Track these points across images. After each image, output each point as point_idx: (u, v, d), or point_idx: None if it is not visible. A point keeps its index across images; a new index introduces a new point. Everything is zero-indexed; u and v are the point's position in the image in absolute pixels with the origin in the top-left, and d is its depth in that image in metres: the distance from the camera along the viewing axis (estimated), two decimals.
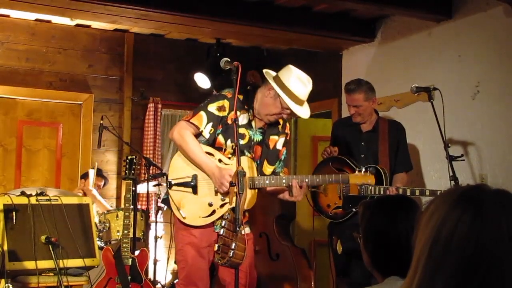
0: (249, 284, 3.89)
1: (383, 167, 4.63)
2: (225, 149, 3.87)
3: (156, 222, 6.12)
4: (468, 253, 1.15)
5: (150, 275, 5.85)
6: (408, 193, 4.35)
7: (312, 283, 5.69)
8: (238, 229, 3.40)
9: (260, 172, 3.94)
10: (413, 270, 1.22)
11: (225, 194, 3.79)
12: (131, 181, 5.36)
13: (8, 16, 6.61)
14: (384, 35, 6.16)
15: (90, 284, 4.82)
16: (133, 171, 5.37)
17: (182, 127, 3.87)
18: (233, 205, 3.56)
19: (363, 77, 5.22)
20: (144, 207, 6.45)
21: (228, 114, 3.84)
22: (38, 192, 4.43)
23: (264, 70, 3.97)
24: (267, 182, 3.85)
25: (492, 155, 5.01)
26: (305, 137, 7.55)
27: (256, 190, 3.89)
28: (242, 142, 3.87)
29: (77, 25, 6.92)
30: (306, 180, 3.85)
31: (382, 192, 4.46)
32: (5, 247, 4.13)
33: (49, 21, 6.79)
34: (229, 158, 3.86)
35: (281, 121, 4.08)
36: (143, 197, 6.78)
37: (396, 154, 4.87)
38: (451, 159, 4.46)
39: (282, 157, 4.13)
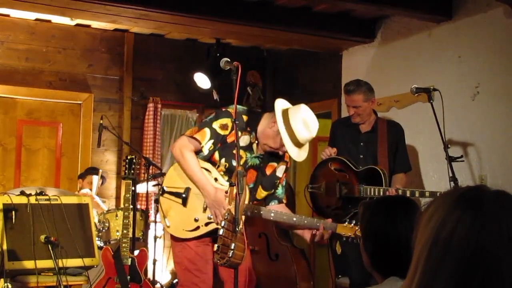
0: (248, 283, 3.89)
1: (382, 168, 4.63)
2: (218, 166, 3.86)
3: (155, 222, 6.12)
4: (468, 254, 1.15)
5: (149, 275, 5.85)
6: (408, 194, 4.36)
7: (312, 284, 5.69)
8: (237, 229, 3.40)
9: (253, 197, 3.93)
10: (412, 271, 1.22)
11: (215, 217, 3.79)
12: (131, 181, 5.36)
13: (8, 15, 6.61)
14: (384, 35, 6.16)
15: (89, 283, 4.82)
16: (132, 171, 5.37)
17: (183, 145, 3.84)
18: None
19: (363, 77, 5.22)
20: (143, 207, 6.46)
21: (229, 133, 3.81)
22: (38, 191, 4.43)
23: (276, 101, 3.88)
24: (262, 213, 3.84)
25: (492, 156, 5.01)
26: None
27: (248, 190, 3.88)
28: (235, 163, 3.79)
29: (77, 24, 6.92)
30: (318, 224, 3.80)
31: (381, 193, 4.46)
32: (5, 247, 4.13)
33: (49, 21, 6.79)
34: (222, 175, 3.85)
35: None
36: (142, 197, 6.79)
37: (395, 155, 4.87)
38: (450, 160, 4.46)
39: (284, 183, 4.12)
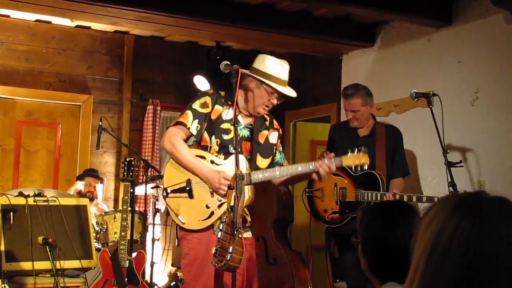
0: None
1: (380, 173, 4.62)
2: (210, 147, 3.88)
3: (153, 224, 6.12)
4: (467, 260, 1.15)
5: (147, 277, 5.84)
6: (405, 199, 4.36)
7: (308, 281, 5.69)
8: (236, 232, 3.40)
9: (255, 167, 3.93)
10: (411, 276, 1.22)
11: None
12: (129, 183, 5.36)
13: (8, 16, 6.62)
14: (384, 40, 6.17)
15: (87, 285, 4.82)
16: (131, 173, 5.38)
17: (172, 134, 3.89)
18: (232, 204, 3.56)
19: (363, 82, 5.22)
20: (142, 209, 6.45)
21: (212, 110, 3.88)
22: (36, 192, 4.43)
23: (239, 70, 3.88)
24: (261, 176, 3.85)
25: (491, 161, 5.02)
26: (303, 141, 7.55)
27: (253, 186, 3.89)
28: (227, 137, 3.87)
29: (77, 26, 6.92)
30: (311, 166, 3.85)
31: (379, 198, 4.46)
32: (2, 248, 4.12)
33: (49, 22, 6.80)
34: (216, 155, 3.87)
35: (267, 118, 4.10)
36: (141, 199, 6.78)
37: (393, 159, 4.85)
38: (449, 165, 4.46)
39: (281, 149, 4.15)
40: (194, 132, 3.88)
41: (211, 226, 3.85)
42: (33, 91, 6.80)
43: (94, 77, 7.11)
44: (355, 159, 3.91)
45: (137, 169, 6.06)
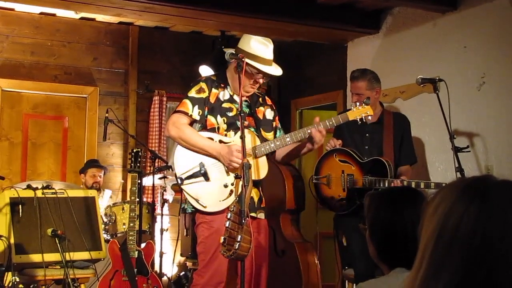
0: (255, 274, 3.90)
1: (387, 159, 4.61)
2: (218, 127, 3.92)
3: (162, 214, 6.13)
4: (474, 245, 1.15)
5: (156, 268, 5.86)
6: (413, 186, 4.35)
7: (318, 276, 5.67)
8: (243, 221, 3.40)
9: (262, 140, 4.00)
10: (418, 261, 1.22)
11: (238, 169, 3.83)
12: (137, 174, 5.37)
13: (13, 9, 6.62)
14: (389, 26, 6.14)
15: (97, 276, 4.84)
16: (138, 164, 5.38)
17: (175, 120, 3.94)
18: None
19: (368, 68, 5.21)
20: (149, 200, 6.47)
21: (209, 93, 3.95)
22: (44, 185, 4.44)
23: (224, 50, 4.00)
24: (273, 145, 3.92)
25: (498, 146, 5.00)
26: None
27: (266, 158, 3.95)
28: (231, 114, 3.95)
29: (82, 18, 6.92)
30: (319, 126, 3.94)
31: (386, 185, 4.44)
32: (12, 240, 4.14)
33: (53, 15, 6.80)
34: (225, 135, 3.90)
35: (259, 94, 4.18)
36: (148, 190, 6.80)
37: (401, 147, 4.83)
38: (456, 150, 4.45)
39: (279, 125, 4.22)
40: (197, 118, 3.91)
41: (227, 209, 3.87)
42: (39, 84, 6.81)
43: (100, 69, 7.11)
44: (360, 111, 4.02)
45: (144, 160, 6.07)
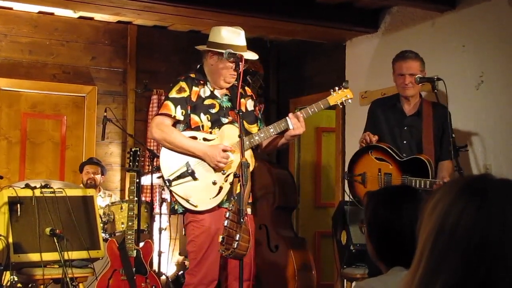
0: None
1: (428, 158, 4.32)
2: (202, 126, 3.93)
3: (160, 214, 6.13)
4: (473, 243, 1.15)
5: (155, 267, 5.86)
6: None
7: (313, 274, 5.68)
8: (242, 220, 3.40)
9: (246, 133, 4.00)
10: (416, 260, 1.22)
11: (226, 166, 3.85)
12: (135, 173, 5.36)
13: (11, 8, 6.61)
14: (388, 25, 6.14)
15: (95, 276, 4.84)
16: (137, 163, 5.38)
17: (159, 122, 3.95)
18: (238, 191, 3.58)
19: (367, 68, 5.21)
20: (148, 199, 6.46)
21: (190, 92, 3.97)
22: (43, 184, 4.44)
23: (197, 48, 4.14)
24: (257, 138, 3.94)
25: (496, 145, 5.00)
26: (309, 128, 7.49)
27: (251, 151, 3.98)
28: (214, 111, 3.97)
29: (80, 17, 6.91)
30: (298, 112, 3.98)
31: (428, 186, 4.14)
32: (10, 240, 4.14)
33: (52, 14, 6.79)
34: (210, 132, 3.90)
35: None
36: (147, 189, 6.79)
37: (442, 140, 4.51)
38: (455, 149, 4.44)
39: (260, 116, 4.24)
40: (181, 118, 3.92)
41: (217, 206, 3.88)
42: (38, 83, 6.80)
43: (98, 68, 7.11)
44: (340, 95, 4.05)
45: (142, 159, 6.05)
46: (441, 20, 5.56)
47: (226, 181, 3.87)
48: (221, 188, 3.87)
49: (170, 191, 3.95)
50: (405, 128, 4.54)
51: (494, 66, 5.05)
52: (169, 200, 6.45)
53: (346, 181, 4.52)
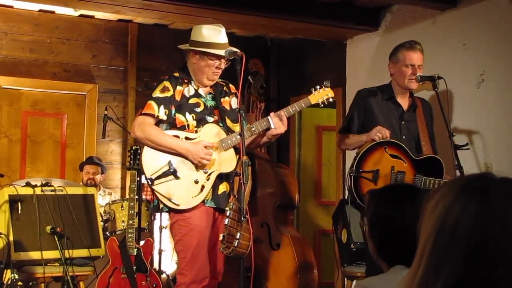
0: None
1: (439, 157, 4.24)
2: (188, 125, 3.93)
3: (160, 212, 6.12)
4: (474, 242, 1.15)
5: (156, 265, 5.86)
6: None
7: (315, 272, 5.69)
8: (242, 218, 3.41)
9: (230, 131, 4.03)
10: (418, 259, 1.22)
11: (208, 165, 3.85)
12: (136, 172, 5.37)
13: (11, 7, 6.61)
14: (389, 24, 6.14)
15: (96, 274, 4.84)
16: (137, 162, 5.39)
17: (141, 122, 3.95)
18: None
19: (368, 66, 5.20)
20: (148, 197, 6.46)
21: (174, 91, 3.97)
22: (43, 182, 4.45)
23: (179, 47, 4.12)
24: (239, 137, 3.91)
25: (497, 144, 5.00)
26: (309, 127, 7.54)
27: (233, 151, 3.97)
28: (199, 110, 3.98)
29: (81, 15, 6.91)
30: (280, 112, 3.99)
31: None
32: (11, 238, 4.15)
33: (52, 12, 6.79)
34: (196, 131, 3.91)
35: (223, 83, 4.21)
36: (147, 188, 6.78)
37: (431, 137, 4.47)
38: (455, 148, 4.43)
39: (243, 115, 4.19)
40: (164, 117, 3.92)
41: (202, 203, 3.88)
42: (38, 81, 6.80)
43: (99, 66, 7.11)
44: (322, 94, 4.09)
45: None
46: (442, 19, 5.55)
47: (208, 179, 3.88)
48: (203, 186, 3.87)
49: (152, 190, 3.94)
50: (403, 123, 4.44)
51: (495, 65, 5.05)
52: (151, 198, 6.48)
53: (349, 178, 4.13)
